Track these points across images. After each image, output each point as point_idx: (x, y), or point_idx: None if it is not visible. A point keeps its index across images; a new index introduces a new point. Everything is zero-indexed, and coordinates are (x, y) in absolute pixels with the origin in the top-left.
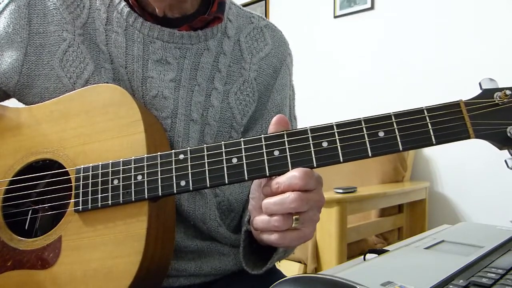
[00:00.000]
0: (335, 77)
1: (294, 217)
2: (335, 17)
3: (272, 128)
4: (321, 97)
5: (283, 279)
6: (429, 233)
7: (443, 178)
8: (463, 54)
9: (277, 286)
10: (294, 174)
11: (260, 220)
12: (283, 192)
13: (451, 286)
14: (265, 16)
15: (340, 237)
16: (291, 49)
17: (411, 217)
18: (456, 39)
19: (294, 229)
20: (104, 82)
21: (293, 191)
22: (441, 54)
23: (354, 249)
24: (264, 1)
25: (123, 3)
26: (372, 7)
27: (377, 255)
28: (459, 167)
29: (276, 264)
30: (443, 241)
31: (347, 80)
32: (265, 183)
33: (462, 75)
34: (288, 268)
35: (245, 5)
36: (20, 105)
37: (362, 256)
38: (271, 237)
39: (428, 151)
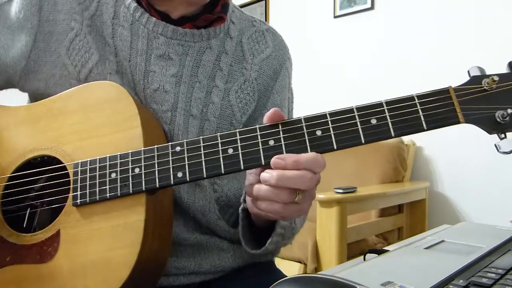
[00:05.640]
0: (335, 77)
1: (297, 192)
2: (335, 17)
3: (266, 122)
4: (321, 97)
5: (283, 279)
6: (429, 233)
7: (443, 178)
8: (463, 54)
9: (277, 286)
10: (318, 159)
11: (265, 189)
12: (300, 169)
13: (451, 286)
14: (265, 15)
15: (340, 237)
16: (291, 50)
17: (411, 217)
18: (456, 39)
19: (295, 203)
20: (107, 73)
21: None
22: (441, 54)
23: (354, 249)
24: (264, 1)
25: None
26: (372, 7)
27: (377, 255)
28: (459, 167)
29: (276, 264)
30: (443, 241)
31: (346, 80)
32: (278, 156)
33: (463, 75)
34: (288, 268)
35: (245, 5)
36: (21, 99)
37: (362, 256)
38: (274, 207)
39: (428, 151)
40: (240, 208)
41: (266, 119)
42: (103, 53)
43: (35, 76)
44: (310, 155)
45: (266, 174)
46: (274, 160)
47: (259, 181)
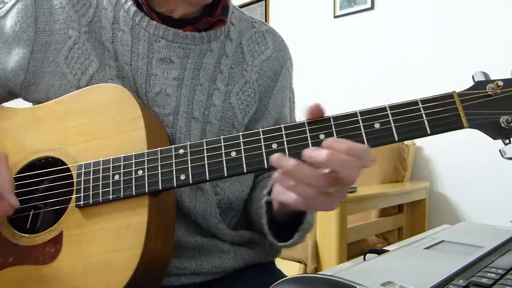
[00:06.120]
0: (335, 77)
1: (334, 183)
2: (335, 17)
3: (309, 118)
4: (321, 97)
5: (283, 279)
6: (429, 233)
7: (443, 178)
8: (463, 54)
9: (277, 286)
10: (369, 151)
11: (306, 169)
12: (351, 156)
13: (451, 286)
14: (265, 16)
15: (340, 237)
16: (291, 50)
17: (411, 217)
18: (456, 39)
19: (327, 194)
20: (108, 79)
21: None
22: (441, 54)
23: (354, 249)
24: (264, 1)
25: (130, 2)
26: (372, 7)
27: (377, 255)
28: (459, 167)
29: (276, 264)
30: (443, 241)
31: (347, 80)
32: (334, 139)
33: (463, 75)
34: (288, 268)
35: (245, 5)
36: (26, 104)
37: (362, 256)
38: (308, 191)
39: (428, 151)
40: (264, 200)
41: (308, 114)
42: (103, 59)
43: (35, 88)
44: (365, 146)
45: (314, 152)
46: (329, 141)
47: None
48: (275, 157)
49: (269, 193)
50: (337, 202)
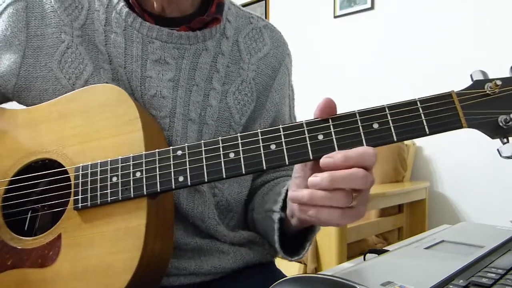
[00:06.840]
0: (335, 77)
1: (354, 194)
2: (335, 17)
3: (318, 114)
4: (321, 97)
5: (283, 279)
6: (429, 233)
7: (443, 178)
8: (463, 54)
9: (277, 286)
10: (367, 151)
11: (320, 195)
12: (351, 167)
13: (451, 286)
14: (265, 16)
15: (340, 237)
16: (291, 49)
17: (411, 217)
18: (456, 39)
19: (351, 207)
20: (104, 82)
21: (360, 167)
22: (441, 54)
23: (354, 249)
24: (264, 1)
25: (122, 3)
26: (372, 7)
27: (377, 255)
28: (459, 167)
29: (276, 264)
30: (443, 241)
31: (347, 80)
32: (326, 156)
33: (462, 75)
34: (288, 268)
35: (245, 5)
36: (21, 107)
37: (362, 256)
38: (334, 214)
39: (428, 151)
40: (277, 218)
41: (318, 112)
42: (97, 62)
43: (28, 94)
44: (359, 148)
45: (315, 178)
46: (323, 160)
47: (307, 187)
48: (291, 195)
49: (281, 207)
50: (363, 210)
